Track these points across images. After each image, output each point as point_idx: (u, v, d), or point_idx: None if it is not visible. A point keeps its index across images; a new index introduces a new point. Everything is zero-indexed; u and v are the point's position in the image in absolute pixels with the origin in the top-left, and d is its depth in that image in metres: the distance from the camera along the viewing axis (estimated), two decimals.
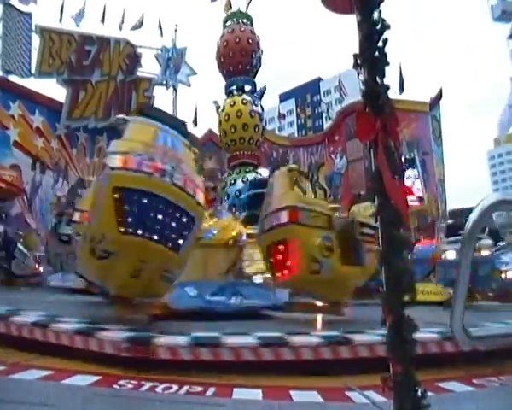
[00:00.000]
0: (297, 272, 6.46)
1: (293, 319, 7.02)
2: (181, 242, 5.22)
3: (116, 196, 4.78)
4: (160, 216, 4.97)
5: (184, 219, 5.19)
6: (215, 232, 8.52)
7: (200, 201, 5.40)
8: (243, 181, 16.66)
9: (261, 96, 17.84)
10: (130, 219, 4.80)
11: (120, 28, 26.48)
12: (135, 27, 26.82)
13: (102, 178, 5.14)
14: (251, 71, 18.11)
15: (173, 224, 5.11)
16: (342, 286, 6.68)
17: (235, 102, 17.34)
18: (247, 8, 19.15)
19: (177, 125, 5.95)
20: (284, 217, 6.53)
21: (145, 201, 4.86)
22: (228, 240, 8.55)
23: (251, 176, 16.83)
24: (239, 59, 17.63)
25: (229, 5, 19.83)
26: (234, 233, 8.75)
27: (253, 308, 7.27)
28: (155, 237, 4.92)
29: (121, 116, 5.79)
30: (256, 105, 17.37)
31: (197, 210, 5.38)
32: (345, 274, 6.58)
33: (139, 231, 4.82)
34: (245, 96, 17.46)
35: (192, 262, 6.31)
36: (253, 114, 17.06)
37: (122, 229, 4.76)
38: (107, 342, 4.18)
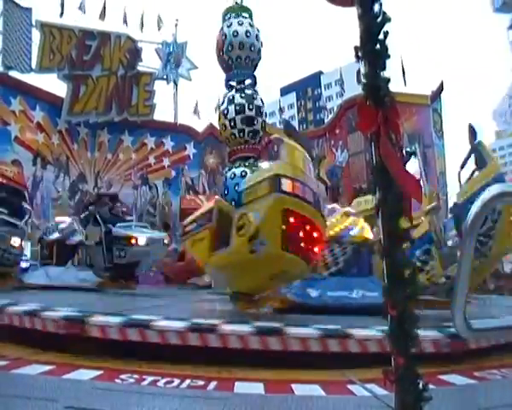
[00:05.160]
0: None
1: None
2: (316, 256, 6.31)
3: (285, 216, 5.65)
4: (309, 238, 5.90)
5: (316, 235, 6.07)
6: (354, 231, 8.42)
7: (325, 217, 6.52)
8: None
9: None
10: (290, 238, 5.70)
11: (125, 24, 26.41)
12: (141, 27, 26.78)
13: (273, 197, 5.75)
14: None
15: (310, 242, 5.97)
16: None
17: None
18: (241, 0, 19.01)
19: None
20: None
21: (301, 223, 5.79)
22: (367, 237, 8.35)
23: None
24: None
25: None
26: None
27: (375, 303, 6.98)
28: (300, 254, 5.83)
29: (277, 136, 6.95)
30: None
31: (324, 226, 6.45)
32: None
33: (291, 248, 5.68)
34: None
35: None
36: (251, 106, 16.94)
37: (284, 246, 5.63)
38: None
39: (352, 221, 8.66)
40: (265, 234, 5.74)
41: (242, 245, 5.86)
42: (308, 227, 5.89)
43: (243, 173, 16.68)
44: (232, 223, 6.13)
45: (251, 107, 16.81)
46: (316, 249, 6.14)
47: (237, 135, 17.07)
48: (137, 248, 10.60)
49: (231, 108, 17.05)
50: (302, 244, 5.86)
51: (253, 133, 16.95)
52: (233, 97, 17.24)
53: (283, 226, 5.68)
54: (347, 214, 8.88)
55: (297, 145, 6.42)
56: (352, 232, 8.18)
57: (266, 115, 17.52)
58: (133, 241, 10.66)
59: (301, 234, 5.83)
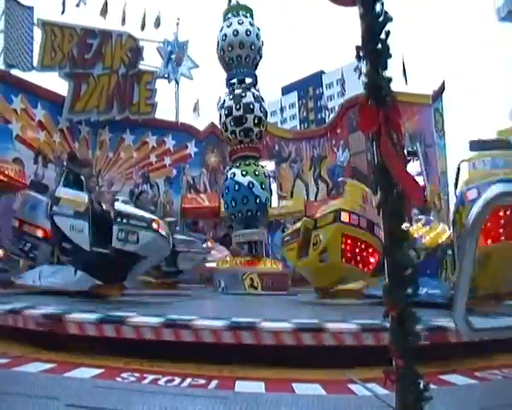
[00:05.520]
0: None
1: None
2: (371, 266, 8.51)
3: (343, 239, 8.35)
4: (364, 253, 8.45)
5: (369, 251, 8.52)
6: (426, 238, 9.50)
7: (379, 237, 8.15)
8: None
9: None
10: (346, 253, 8.40)
11: (123, 22, 26.38)
12: (143, 26, 26.78)
13: (335, 225, 8.46)
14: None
15: (371, 258, 8.49)
16: None
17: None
18: None
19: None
20: None
21: (355, 243, 8.39)
22: (436, 244, 8.99)
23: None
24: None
25: None
26: (444, 238, 8.96)
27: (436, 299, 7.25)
28: (360, 265, 8.46)
29: (343, 179, 10.35)
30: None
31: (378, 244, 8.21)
32: None
33: (347, 260, 8.36)
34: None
35: None
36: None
37: (343, 260, 8.36)
38: None
39: (425, 230, 9.78)
40: (330, 250, 8.41)
41: (315, 256, 8.66)
42: (362, 246, 8.39)
43: (231, 176, 16.78)
44: (310, 239, 8.80)
45: (238, 107, 16.76)
46: (371, 260, 8.43)
47: (231, 136, 17.12)
48: (156, 235, 7.66)
49: (222, 112, 17.18)
50: (357, 257, 8.37)
51: (245, 132, 16.89)
52: (224, 101, 17.36)
53: (342, 245, 8.30)
54: (423, 224, 10.15)
55: (359, 184, 9.27)
56: (423, 240, 9.37)
57: (262, 107, 17.33)
58: (155, 224, 7.70)
59: (356, 250, 8.38)
